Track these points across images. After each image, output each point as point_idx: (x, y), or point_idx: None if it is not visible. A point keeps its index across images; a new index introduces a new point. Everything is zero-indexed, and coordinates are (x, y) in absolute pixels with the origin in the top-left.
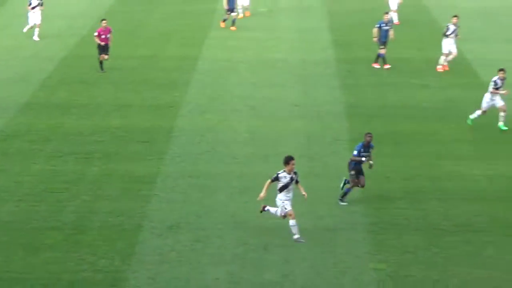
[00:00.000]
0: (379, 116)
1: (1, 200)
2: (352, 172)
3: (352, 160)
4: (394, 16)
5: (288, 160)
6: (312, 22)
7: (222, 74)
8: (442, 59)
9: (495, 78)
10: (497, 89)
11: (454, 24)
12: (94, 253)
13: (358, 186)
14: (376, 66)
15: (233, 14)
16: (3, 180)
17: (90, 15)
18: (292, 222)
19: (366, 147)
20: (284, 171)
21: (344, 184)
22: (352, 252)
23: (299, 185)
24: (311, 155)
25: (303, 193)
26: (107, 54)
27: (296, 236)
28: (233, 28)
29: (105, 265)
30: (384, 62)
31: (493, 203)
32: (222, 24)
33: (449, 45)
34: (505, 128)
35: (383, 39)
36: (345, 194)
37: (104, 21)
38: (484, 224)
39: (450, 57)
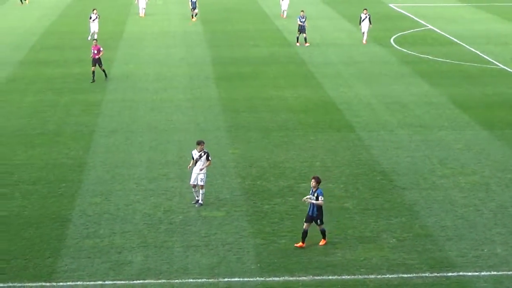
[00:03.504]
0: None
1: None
2: None
3: None
4: None
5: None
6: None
7: (137, 41)
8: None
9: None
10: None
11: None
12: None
13: None
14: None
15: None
16: (8, 106)
17: None
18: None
19: None
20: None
21: None
22: None
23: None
24: (193, 87)
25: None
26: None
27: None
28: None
29: None
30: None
31: (298, 113)
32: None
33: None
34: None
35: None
36: None
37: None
38: (294, 125)
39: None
